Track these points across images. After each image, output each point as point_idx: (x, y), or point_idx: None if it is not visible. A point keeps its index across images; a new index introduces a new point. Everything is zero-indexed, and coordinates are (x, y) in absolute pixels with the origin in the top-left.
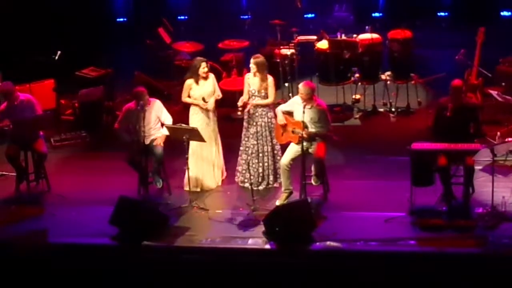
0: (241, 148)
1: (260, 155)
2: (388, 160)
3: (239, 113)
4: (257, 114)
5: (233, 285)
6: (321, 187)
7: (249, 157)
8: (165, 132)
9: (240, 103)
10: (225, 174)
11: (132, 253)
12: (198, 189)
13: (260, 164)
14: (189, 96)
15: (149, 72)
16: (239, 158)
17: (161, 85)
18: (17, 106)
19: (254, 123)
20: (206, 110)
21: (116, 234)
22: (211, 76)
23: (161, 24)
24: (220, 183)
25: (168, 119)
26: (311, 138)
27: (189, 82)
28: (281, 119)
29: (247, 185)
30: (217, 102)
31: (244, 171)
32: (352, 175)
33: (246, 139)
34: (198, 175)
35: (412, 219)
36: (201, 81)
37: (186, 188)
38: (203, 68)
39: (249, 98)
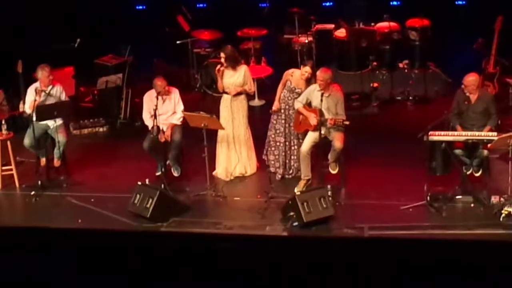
0: (271, 141)
1: (292, 148)
2: (405, 148)
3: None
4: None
5: (249, 272)
6: (339, 175)
7: (279, 152)
8: (174, 121)
9: (274, 108)
10: (256, 164)
11: (151, 239)
12: (229, 178)
13: (291, 157)
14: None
15: (168, 60)
16: (268, 148)
17: (179, 73)
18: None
19: (285, 120)
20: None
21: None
22: (243, 67)
23: (180, 12)
24: (250, 172)
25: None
26: (324, 124)
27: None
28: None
29: (277, 175)
30: (246, 93)
31: (274, 163)
32: (369, 163)
33: (277, 133)
34: (228, 165)
35: (428, 207)
36: (231, 72)
37: (213, 174)
38: (221, 58)
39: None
